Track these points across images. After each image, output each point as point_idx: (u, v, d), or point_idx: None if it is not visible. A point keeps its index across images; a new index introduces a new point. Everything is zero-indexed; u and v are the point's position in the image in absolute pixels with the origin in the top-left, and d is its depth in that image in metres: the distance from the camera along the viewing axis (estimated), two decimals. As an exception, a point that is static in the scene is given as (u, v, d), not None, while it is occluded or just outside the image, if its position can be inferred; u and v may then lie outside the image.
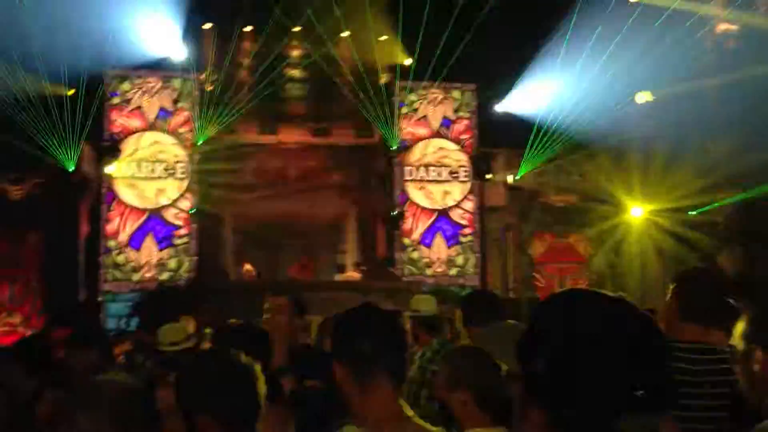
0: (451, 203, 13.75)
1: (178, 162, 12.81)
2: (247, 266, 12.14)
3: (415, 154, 13.82)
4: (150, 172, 12.70)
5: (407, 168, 13.75)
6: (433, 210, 13.71)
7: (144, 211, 12.56)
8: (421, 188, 13.72)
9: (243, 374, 2.09)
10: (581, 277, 13.55)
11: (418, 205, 13.66)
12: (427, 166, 13.80)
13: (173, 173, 12.79)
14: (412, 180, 13.73)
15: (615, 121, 11.97)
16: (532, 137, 12.93)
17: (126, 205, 12.49)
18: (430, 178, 13.79)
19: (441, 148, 13.89)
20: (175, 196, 12.72)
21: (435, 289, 12.53)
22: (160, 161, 12.76)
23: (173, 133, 12.93)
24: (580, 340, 1.16)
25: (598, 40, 11.69)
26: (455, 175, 13.83)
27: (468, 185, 13.80)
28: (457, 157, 13.88)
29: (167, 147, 12.81)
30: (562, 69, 12.50)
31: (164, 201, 12.67)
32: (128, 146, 12.62)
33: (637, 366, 1.14)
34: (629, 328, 1.17)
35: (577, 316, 1.19)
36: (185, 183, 12.77)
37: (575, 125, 12.19)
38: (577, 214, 13.40)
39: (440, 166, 13.82)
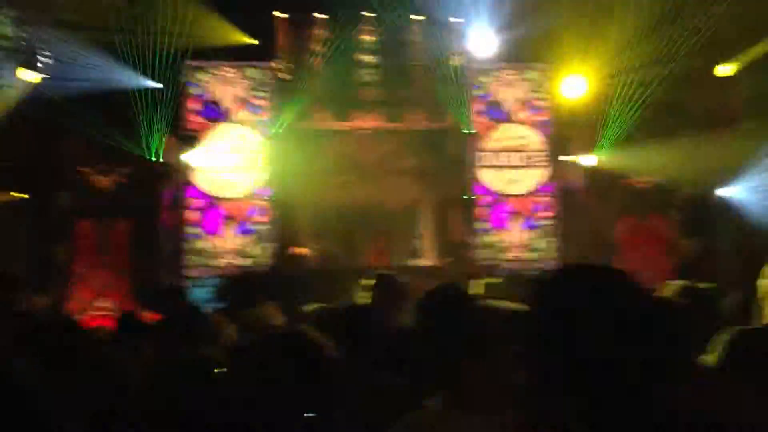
0: (527, 189, 13.50)
1: (255, 152, 13.06)
2: (298, 249, 12.29)
3: (490, 139, 13.63)
4: (229, 163, 13.00)
5: (481, 154, 13.56)
6: (509, 195, 13.51)
7: (223, 200, 12.89)
8: (496, 174, 13.53)
9: None
10: (665, 261, 13.10)
11: (493, 191, 13.49)
12: (501, 151, 13.57)
13: (252, 164, 13.06)
14: (486, 166, 13.55)
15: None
16: (610, 118, 12.55)
17: (205, 195, 12.84)
18: (505, 164, 13.56)
19: (516, 133, 13.64)
20: (254, 186, 13.00)
21: (513, 274, 12.42)
22: (239, 152, 13.04)
23: (249, 122, 13.19)
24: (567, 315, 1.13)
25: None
26: (531, 160, 13.57)
27: (544, 170, 13.52)
28: (533, 140, 13.61)
29: (244, 138, 13.08)
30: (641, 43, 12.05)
31: (243, 191, 12.95)
32: (206, 137, 12.96)
33: (624, 341, 1.08)
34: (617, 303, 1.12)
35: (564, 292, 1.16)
36: (264, 174, 13.02)
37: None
38: (661, 195, 12.94)
39: (515, 151, 13.58)
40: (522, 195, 13.49)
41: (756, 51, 10.42)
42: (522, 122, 13.70)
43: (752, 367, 2.23)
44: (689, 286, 2.81)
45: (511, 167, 13.54)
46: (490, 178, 13.52)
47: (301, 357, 1.97)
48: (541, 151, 13.54)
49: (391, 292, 4.11)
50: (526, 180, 13.52)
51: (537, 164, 13.53)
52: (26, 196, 11.11)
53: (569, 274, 1.20)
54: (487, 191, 13.47)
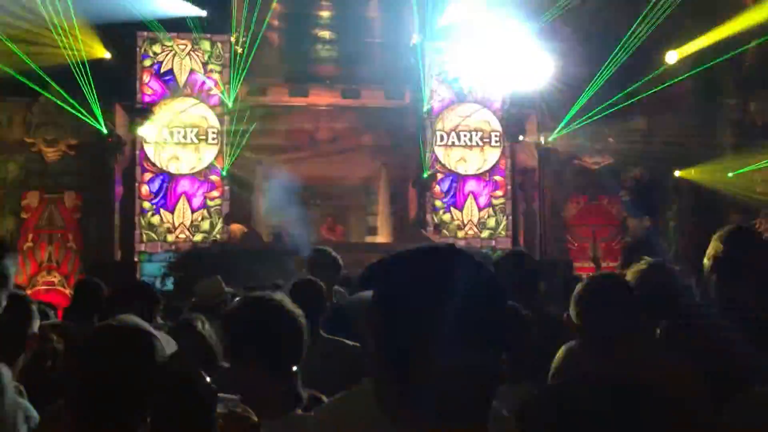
0: (482, 168, 13.62)
1: (209, 127, 12.89)
2: (235, 226, 12.19)
3: (446, 119, 13.67)
4: (182, 138, 12.81)
5: (438, 133, 13.60)
6: (465, 175, 13.61)
7: (176, 174, 12.71)
8: (451, 152, 13.60)
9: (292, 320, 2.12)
10: (615, 239, 13.40)
11: (449, 169, 13.57)
12: (458, 131, 13.63)
13: (204, 139, 12.88)
14: (443, 145, 13.61)
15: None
16: (565, 99, 12.69)
17: (159, 169, 12.65)
18: (462, 144, 13.63)
19: (472, 112, 13.71)
20: (207, 161, 12.83)
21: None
22: (192, 127, 12.85)
23: (203, 96, 12.99)
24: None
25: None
26: (487, 139, 13.66)
27: (500, 149, 13.65)
28: (488, 120, 13.70)
29: (198, 112, 12.89)
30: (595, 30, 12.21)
31: (196, 166, 12.79)
32: (160, 111, 12.73)
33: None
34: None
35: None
36: (216, 148, 12.87)
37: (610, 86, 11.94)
38: (612, 176, 13.19)
39: (471, 130, 13.66)
40: (476, 174, 13.60)
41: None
42: (478, 102, 13.76)
43: None
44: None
45: (466, 147, 13.63)
46: (446, 159, 13.59)
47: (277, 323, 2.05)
48: (497, 132, 13.65)
49: (324, 267, 4.22)
50: (480, 159, 13.63)
51: (492, 145, 13.64)
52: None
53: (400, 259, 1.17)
54: (442, 170, 13.54)
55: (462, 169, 13.59)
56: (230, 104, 12.94)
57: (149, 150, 12.64)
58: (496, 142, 13.63)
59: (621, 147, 13.18)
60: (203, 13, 12.50)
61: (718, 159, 12.39)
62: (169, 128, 12.70)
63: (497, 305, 1.11)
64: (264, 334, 2.06)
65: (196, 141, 12.83)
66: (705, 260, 2.77)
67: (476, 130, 13.64)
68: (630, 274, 2.83)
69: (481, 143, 13.64)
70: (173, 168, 12.71)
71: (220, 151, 12.87)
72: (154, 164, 12.66)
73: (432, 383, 1.04)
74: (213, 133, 12.88)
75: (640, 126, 13.12)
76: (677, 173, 12.83)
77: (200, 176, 12.84)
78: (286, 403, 2.04)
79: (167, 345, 1.72)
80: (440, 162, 13.55)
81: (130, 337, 1.69)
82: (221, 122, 12.90)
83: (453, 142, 13.62)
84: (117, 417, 1.62)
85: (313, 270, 4.16)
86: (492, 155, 13.64)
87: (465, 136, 13.64)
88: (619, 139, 13.21)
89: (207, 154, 12.85)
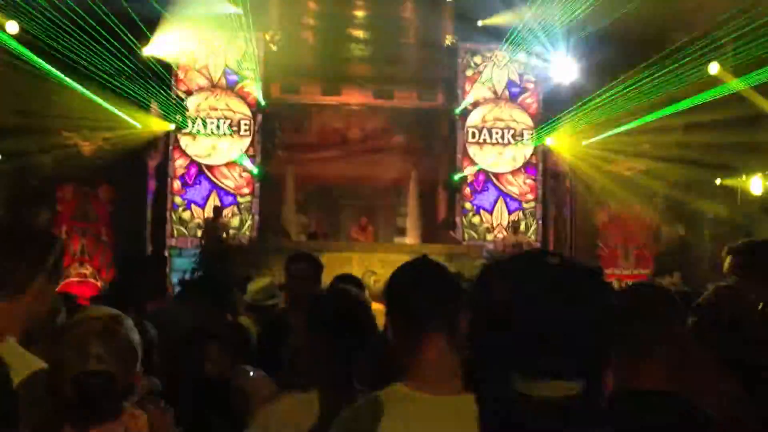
0: (513, 166, 13.55)
1: (242, 119, 12.99)
2: (303, 218, 12.34)
3: (478, 116, 13.62)
4: (215, 129, 12.92)
5: (470, 129, 13.59)
6: (495, 173, 13.53)
7: (208, 167, 12.83)
8: (482, 150, 13.55)
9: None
10: (647, 246, 13.17)
11: (479, 168, 13.50)
12: (490, 129, 13.61)
13: (237, 130, 12.99)
14: (474, 142, 13.57)
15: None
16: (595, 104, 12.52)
17: (191, 161, 12.76)
18: (493, 141, 13.60)
19: (505, 111, 13.65)
20: (239, 152, 12.93)
21: (495, 255, 12.45)
22: (225, 118, 12.97)
23: (237, 92, 13.08)
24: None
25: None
26: (519, 138, 13.60)
27: (531, 148, 13.56)
28: (521, 119, 13.63)
29: (232, 105, 12.99)
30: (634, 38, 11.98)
31: (228, 157, 12.89)
32: (194, 104, 12.87)
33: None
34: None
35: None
36: (248, 140, 12.96)
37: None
38: (645, 182, 12.96)
39: (503, 128, 13.61)
40: (507, 174, 13.53)
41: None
42: (510, 103, 13.68)
43: None
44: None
45: (498, 144, 13.59)
46: (476, 156, 13.55)
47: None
48: (529, 131, 13.59)
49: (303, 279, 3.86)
50: (512, 159, 13.56)
51: (524, 143, 13.58)
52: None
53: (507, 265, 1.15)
54: (473, 170, 13.50)
55: (492, 169, 13.53)
56: (263, 102, 13.00)
57: (183, 142, 12.78)
58: (528, 140, 13.56)
59: (656, 152, 12.94)
60: (239, 11, 12.56)
61: (760, 166, 12.07)
62: (202, 120, 12.83)
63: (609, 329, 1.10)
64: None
65: (228, 132, 12.94)
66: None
67: (508, 128, 13.61)
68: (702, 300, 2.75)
69: (512, 141, 13.59)
70: (205, 162, 12.83)
71: (252, 144, 12.96)
72: (186, 158, 12.78)
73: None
74: (245, 124, 12.99)
75: (677, 131, 12.87)
76: (718, 181, 12.50)
77: (232, 172, 12.93)
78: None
79: None
80: (471, 162, 13.50)
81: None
82: (254, 117, 12.98)
83: (485, 139, 13.60)
84: None
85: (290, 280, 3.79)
86: (522, 153, 13.57)
87: (497, 133, 13.61)
88: (654, 145, 12.98)
89: (239, 146, 12.96)
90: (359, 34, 13.88)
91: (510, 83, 13.72)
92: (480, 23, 13.20)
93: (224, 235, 11.74)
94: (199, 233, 12.11)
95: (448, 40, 13.67)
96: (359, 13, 13.90)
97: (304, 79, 13.51)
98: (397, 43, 13.78)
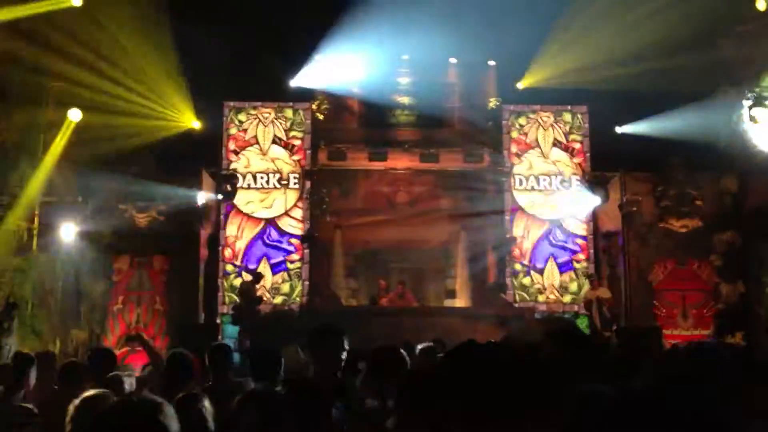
0: (562, 215, 13.45)
1: (291, 173, 13.29)
2: (382, 282, 12.69)
3: (526, 164, 13.69)
4: (265, 183, 13.24)
5: (517, 177, 13.65)
6: (544, 221, 13.44)
7: (259, 221, 13.10)
8: (530, 196, 13.62)
9: None
10: (706, 305, 12.72)
11: (528, 215, 13.52)
12: (537, 175, 13.66)
13: (287, 184, 13.28)
14: (522, 189, 13.58)
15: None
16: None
17: (242, 227, 13.02)
18: (541, 188, 13.59)
19: (553, 159, 13.74)
20: (289, 204, 13.23)
21: (548, 317, 12.20)
22: (275, 172, 13.30)
23: (286, 161, 13.42)
24: None
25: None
26: (566, 183, 13.54)
27: (580, 193, 13.44)
28: (569, 165, 13.67)
29: (281, 161, 13.36)
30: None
31: (278, 211, 13.20)
32: (243, 164, 13.27)
33: None
34: None
35: None
36: (297, 194, 13.28)
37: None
38: (701, 239, 12.62)
39: (552, 174, 13.63)
40: (558, 227, 13.43)
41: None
42: (557, 163, 13.67)
43: None
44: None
45: (545, 191, 13.62)
46: (524, 204, 13.58)
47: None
48: (577, 176, 13.57)
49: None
50: (561, 207, 13.50)
51: (572, 187, 13.57)
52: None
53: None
54: (522, 221, 13.50)
55: (539, 214, 13.48)
56: (312, 168, 13.27)
57: (235, 211, 13.09)
58: (577, 185, 13.48)
59: (710, 209, 12.66)
60: (294, 85, 13.07)
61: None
62: (252, 174, 13.26)
63: None
64: None
65: (278, 186, 13.25)
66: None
67: (556, 175, 13.60)
68: None
69: (560, 188, 13.54)
70: (258, 214, 13.13)
71: (301, 213, 13.14)
72: (240, 212, 13.07)
73: None
74: (294, 177, 13.34)
75: (731, 187, 12.60)
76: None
77: (282, 225, 13.19)
78: None
79: None
80: (518, 205, 13.50)
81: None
82: (303, 178, 13.27)
83: (533, 186, 13.59)
84: None
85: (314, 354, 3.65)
86: (571, 199, 13.46)
87: (545, 180, 13.60)
88: (708, 201, 12.71)
89: (289, 200, 13.31)
90: (404, 100, 14.12)
91: (556, 143, 13.75)
92: (520, 86, 13.38)
93: (258, 297, 11.82)
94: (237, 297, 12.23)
95: (492, 102, 13.81)
96: (403, 80, 14.18)
97: (351, 145, 13.75)
98: (442, 106, 13.96)
